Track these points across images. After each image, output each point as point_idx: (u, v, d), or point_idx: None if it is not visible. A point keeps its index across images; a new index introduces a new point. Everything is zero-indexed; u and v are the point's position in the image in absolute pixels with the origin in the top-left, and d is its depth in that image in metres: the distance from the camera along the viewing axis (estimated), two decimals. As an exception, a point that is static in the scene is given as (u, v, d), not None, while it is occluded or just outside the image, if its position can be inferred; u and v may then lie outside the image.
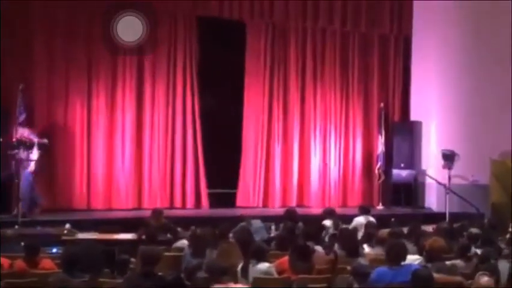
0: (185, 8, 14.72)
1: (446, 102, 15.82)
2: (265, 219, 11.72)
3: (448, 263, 7.65)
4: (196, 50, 14.87)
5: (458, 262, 7.82)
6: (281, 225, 10.56)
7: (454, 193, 14.52)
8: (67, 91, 13.70)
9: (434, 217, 13.93)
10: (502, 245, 8.96)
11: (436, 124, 16.16)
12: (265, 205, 15.43)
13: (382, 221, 12.11)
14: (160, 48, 14.51)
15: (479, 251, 8.27)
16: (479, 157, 14.67)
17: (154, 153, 14.48)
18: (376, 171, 16.27)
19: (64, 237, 10.24)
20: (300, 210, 12.71)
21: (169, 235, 10.00)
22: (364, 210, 12.15)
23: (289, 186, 15.69)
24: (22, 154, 11.89)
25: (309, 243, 8.07)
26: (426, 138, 16.39)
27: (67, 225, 11.02)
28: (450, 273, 7.27)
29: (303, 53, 16.00)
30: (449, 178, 14.76)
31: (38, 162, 12.25)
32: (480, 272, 6.65)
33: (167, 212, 11.91)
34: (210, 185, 14.96)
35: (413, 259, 7.56)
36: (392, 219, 12.54)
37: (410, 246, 8.11)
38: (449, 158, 14.91)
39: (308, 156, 15.93)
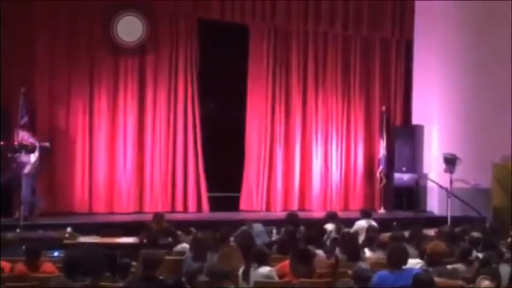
0: (186, 9, 14.70)
1: (448, 106, 15.83)
2: (268, 223, 11.73)
3: (449, 267, 7.64)
4: (196, 53, 14.86)
5: (459, 266, 7.81)
6: (282, 229, 10.55)
7: (456, 197, 14.50)
8: (69, 94, 13.71)
9: (435, 221, 13.92)
10: (504, 249, 8.94)
11: (438, 128, 16.17)
12: (268, 209, 15.45)
13: (384, 224, 12.13)
14: (162, 52, 14.53)
15: (480, 255, 8.26)
16: (480, 161, 14.66)
17: (156, 156, 14.48)
18: (378, 175, 16.27)
19: (66, 241, 10.23)
20: (301, 214, 12.73)
21: (170, 239, 9.98)
22: (366, 214, 12.14)
23: (291, 190, 15.70)
24: (24, 157, 11.89)
25: (310, 247, 8.06)
26: (428, 142, 16.39)
27: (69, 229, 11.03)
28: (451, 277, 7.27)
29: (305, 57, 16.03)
30: (451, 182, 14.76)
31: (36, 164, 12.18)
32: (481, 276, 6.66)
33: (168, 216, 11.90)
34: (213, 189, 14.98)
35: (414, 263, 7.55)
36: (394, 223, 12.54)
37: (411, 250, 8.11)
38: (450, 161, 14.91)
39: (310, 159, 15.94)
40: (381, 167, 16.23)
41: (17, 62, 13.16)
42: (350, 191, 16.32)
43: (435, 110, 16.17)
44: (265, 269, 7.38)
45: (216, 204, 14.89)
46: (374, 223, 11.53)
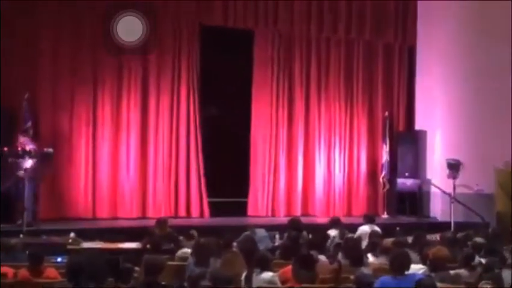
0: (188, 15, 14.72)
1: (451, 111, 15.83)
2: (271, 228, 11.74)
3: (451, 272, 7.64)
4: (198, 59, 14.88)
5: (462, 271, 7.80)
6: (285, 234, 10.55)
7: (459, 202, 14.47)
8: (72, 100, 13.75)
9: (439, 226, 13.91)
10: (507, 255, 8.92)
11: (441, 133, 16.16)
12: (274, 214, 15.48)
13: (387, 230, 12.12)
14: (165, 59, 14.56)
15: (483, 261, 8.25)
16: (483, 166, 14.65)
17: (159, 162, 14.51)
18: (381, 180, 16.27)
19: (69, 247, 10.25)
20: (304, 219, 12.71)
21: (173, 245, 9.99)
22: (369, 219, 12.13)
23: (294, 195, 15.71)
24: (26, 163, 11.87)
25: (313, 253, 8.06)
26: (431, 147, 16.38)
27: (72, 234, 11.05)
28: (454, 282, 7.28)
29: (308, 62, 16.05)
30: (454, 187, 14.73)
31: (34, 169, 12.03)
32: (484, 282, 6.66)
33: (171, 221, 11.89)
34: (217, 195, 14.98)
35: (417, 268, 7.55)
36: (397, 228, 12.54)
37: (414, 255, 8.10)
38: (454, 167, 14.90)
39: (313, 165, 15.95)
40: (384, 172, 16.23)
41: (19, 64, 13.14)
42: (353, 196, 16.32)
43: (438, 115, 16.17)
44: (267, 275, 7.38)
45: (220, 210, 14.85)
46: (377, 228, 11.52)
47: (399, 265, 6.89)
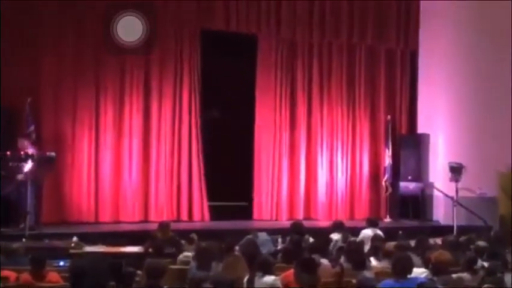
0: (190, 20, 14.73)
1: (453, 115, 15.83)
2: (274, 232, 11.73)
3: (454, 276, 7.62)
4: (199, 64, 14.89)
5: (464, 275, 7.78)
6: (288, 238, 10.54)
7: (462, 206, 14.45)
8: (74, 104, 13.75)
9: (441, 230, 13.88)
10: (509, 258, 8.91)
11: (443, 137, 16.15)
12: (277, 218, 15.49)
13: (390, 233, 12.09)
14: (167, 63, 14.59)
15: (486, 264, 8.24)
16: (486, 169, 14.62)
17: (161, 166, 14.51)
18: (383, 183, 16.26)
19: (71, 251, 10.26)
20: (307, 223, 12.70)
21: (175, 249, 9.98)
22: (372, 223, 12.11)
23: (296, 199, 15.72)
24: (27, 167, 11.85)
25: (315, 256, 8.05)
26: (434, 150, 16.37)
27: (74, 238, 11.05)
28: (456, 286, 7.25)
29: (310, 67, 16.06)
30: (457, 191, 14.71)
31: (33, 172, 11.95)
32: (486, 285, 6.64)
33: (173, 225, 11.89)
34: (220, 198, 15.00)
35: (419, 272, 7.54)
36: (400, 232, 12.51)
37: (416, 259, 8.09)
38: (456, 170, 14.87)
39: (315, 169, 15.95)
40: (386, 176, 16.22)
41: (19, 65, 13.10)
42: (355, 200, 16.31)
43: (441, 118, 16.16)
44: (270, 278, 7.37)
45: (222, 214, 14.88)
46: (379, 232, 11.51)
47: (401, 269, 6.89)
